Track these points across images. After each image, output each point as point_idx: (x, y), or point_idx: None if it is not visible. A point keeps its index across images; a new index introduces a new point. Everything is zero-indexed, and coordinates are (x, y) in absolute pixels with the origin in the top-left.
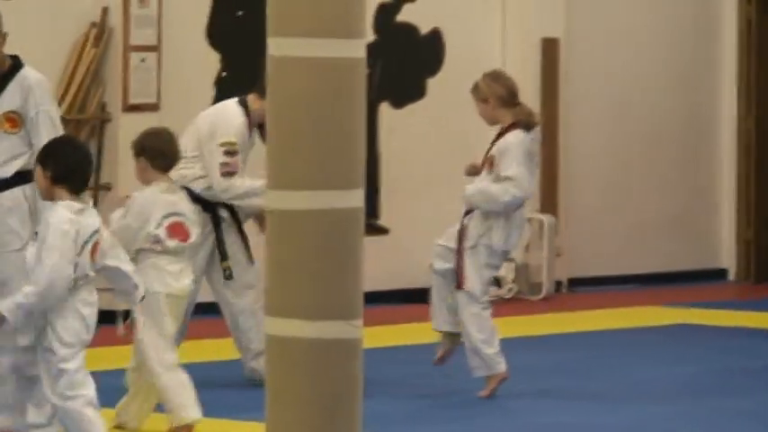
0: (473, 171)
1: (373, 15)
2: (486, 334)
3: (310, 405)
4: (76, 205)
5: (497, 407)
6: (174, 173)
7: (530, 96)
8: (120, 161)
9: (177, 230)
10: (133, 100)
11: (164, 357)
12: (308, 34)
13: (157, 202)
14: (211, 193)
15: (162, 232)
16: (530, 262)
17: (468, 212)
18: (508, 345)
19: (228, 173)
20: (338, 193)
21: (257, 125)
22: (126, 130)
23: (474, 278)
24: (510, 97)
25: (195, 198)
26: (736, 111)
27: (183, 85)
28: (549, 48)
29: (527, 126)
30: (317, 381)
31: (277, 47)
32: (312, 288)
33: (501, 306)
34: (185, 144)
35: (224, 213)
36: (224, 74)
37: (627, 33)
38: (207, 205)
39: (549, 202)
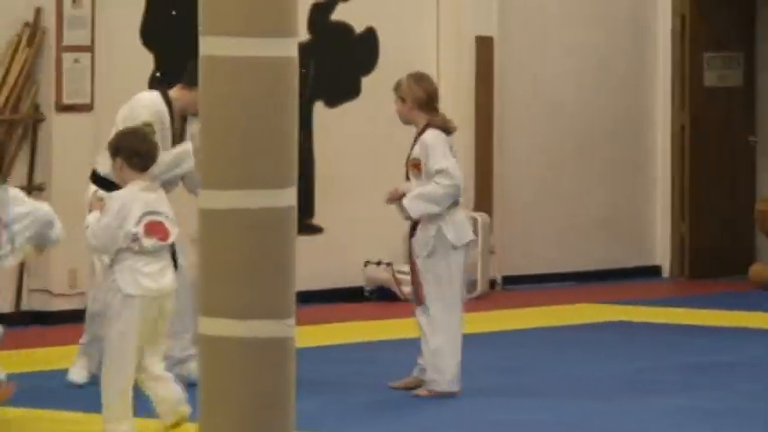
0: (395, 196)
1: (307, 14)
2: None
3: (243, 404)
4: None
5: (432, 405)
6: (102, 168)
7: (464, 95)
8: (53, 161)
9: (155, 229)
10: (67, 100)
11: (121, 364)
12: (241, 33)
13: (136, 201)
14: None
15: (140, 230)
16: None
17: (412, 231)
18: None
19: None
20: (271, 192)
21: (185, 114)
22: (59, 130)
23: (437, 288)
24: (428, 101)
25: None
26: (670, 108)
27: (116, 86)
28: (483, 46)
29: (445, 131)
30: (249, 380)
31: (209, 46)
32: (244, 287)
33: None
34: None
35: None
36: (158, 74)
37: (561, 31)
38: None
39: (483, 200)
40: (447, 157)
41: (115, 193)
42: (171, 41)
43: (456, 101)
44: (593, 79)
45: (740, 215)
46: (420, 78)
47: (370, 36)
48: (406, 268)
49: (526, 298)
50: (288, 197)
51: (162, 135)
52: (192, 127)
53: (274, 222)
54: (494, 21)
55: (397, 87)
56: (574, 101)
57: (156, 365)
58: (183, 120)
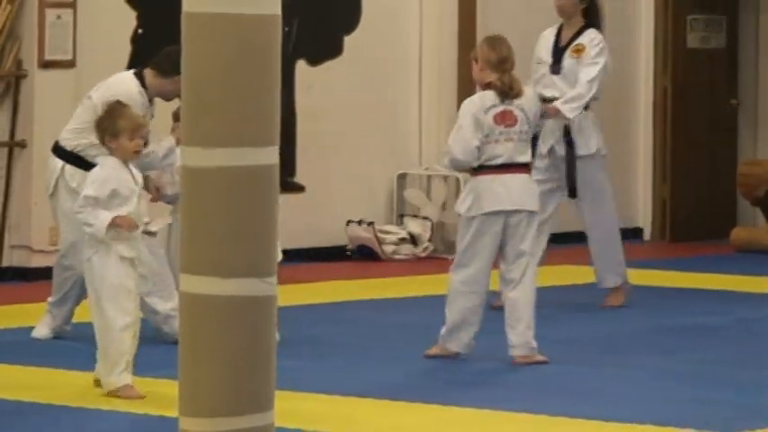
0: None
1: None
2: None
3: (224, 362)
4: None
5: (411, 365)
6: (68, 143)
7: (446, 53)
8: (35, 118)
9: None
10: (49, 56)
11: None
12: None
13: None
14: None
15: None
16: (445, 221)
17: None
18: (424, 303)
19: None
20: (253, 150)
21: (155, 98)
22: (42, 86)
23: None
24: (498, 63)
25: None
26: (652, 69)
27: (99, 42)
28: (466, 4)
29: (501, 93)
30: (230, 338)
31: (192, 2)
32: (226, 245)
33: (417, 264)
34: (80, 114)
35: None
36: (140, 31)
37: None
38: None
39: None
40: (460, 128)
41: None
42: None
43: (438, 59)
44: None
45: (722, 178)
46: (493, 41)
47: None
48: (388, 227)
49: None
50: (270, 155)
51: None
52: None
53: (257, 180)
54: None
55: (473, 51)
56: None
57: None
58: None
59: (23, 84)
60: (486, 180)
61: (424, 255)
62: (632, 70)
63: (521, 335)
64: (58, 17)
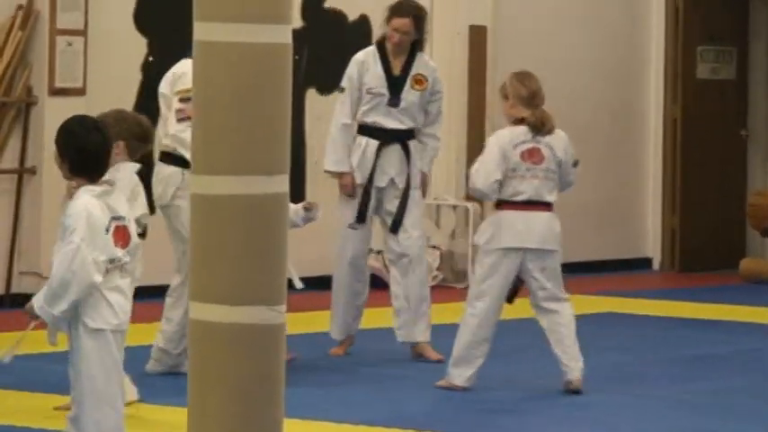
0: None
1: (301, 1)
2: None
3: (233, 390)
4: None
5: (422, 393)
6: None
7: (456, 84)
8: (45, 145)
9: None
10: (59, 84)
11: None
12: (235, 19)
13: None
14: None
15: None
16: (455, 250)
17: None
18: (433, 332)
19: (183, 118)
20: (263, 178)
21: None
22: (52, 113)
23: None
24: (530, 98)
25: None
26: (662, 99)
27: (109, 70)
28: (477, 35)
29: (534, 129)
30: (239, 366)
31: (203, 31)
32: (235, 273)
33: None
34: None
35: None
36: (151, 59)
37: (554, 21)
38: None
39: None
40: (482, 160)
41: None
42: (164, 26)
43: (448, 90)
44: (587, 70)
45: (731, 209)
46: (523, 76)
47: (364, 24)
48: None
49: None
50: (280, 184)
51: None
52: None
53: (266, 209)
54: (488, 10)
55: (502, 87)
56: (566, 92)
57: None
58: None
59: (33, 110)
60: (508, 215)
61: (432, 284)
62: (642, 100)
63: (575, 357)
64: (69, 44)
